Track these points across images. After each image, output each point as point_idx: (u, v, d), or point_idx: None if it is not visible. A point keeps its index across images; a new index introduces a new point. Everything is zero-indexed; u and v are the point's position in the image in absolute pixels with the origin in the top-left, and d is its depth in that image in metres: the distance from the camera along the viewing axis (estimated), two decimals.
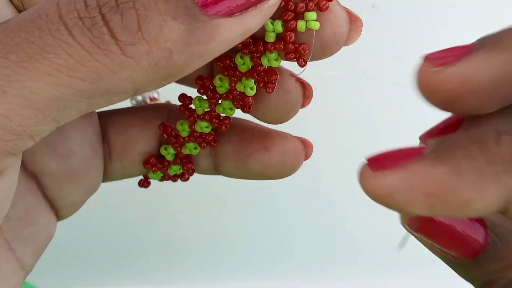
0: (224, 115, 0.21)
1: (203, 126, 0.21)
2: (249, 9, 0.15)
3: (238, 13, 0.15)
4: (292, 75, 0.20)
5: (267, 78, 0.19)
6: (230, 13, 0.15)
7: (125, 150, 0.22)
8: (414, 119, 0.57)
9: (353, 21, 0.18)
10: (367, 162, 0.14)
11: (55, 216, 0.21)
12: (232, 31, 0.15)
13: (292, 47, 0.18)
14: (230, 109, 0.20)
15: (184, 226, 0.57)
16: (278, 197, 0.56)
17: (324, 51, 0.18)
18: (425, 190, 0.13)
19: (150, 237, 0.57)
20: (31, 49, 0.14)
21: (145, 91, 0.15)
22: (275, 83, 0.19)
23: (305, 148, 0.22)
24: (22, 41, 0.14)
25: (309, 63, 0.18)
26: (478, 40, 0.14)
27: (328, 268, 0.58)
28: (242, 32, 0.15)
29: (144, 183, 0.23)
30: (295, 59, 0.18)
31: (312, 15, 0.17)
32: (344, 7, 0.18)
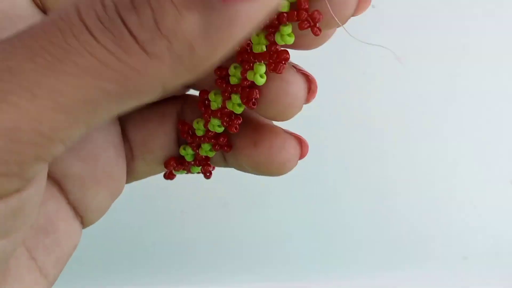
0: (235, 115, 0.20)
1: (215, 125, 0.20)
2: None
3: None
4: (294, 66, 0.19)
5: (278, 58, 0.18)
6: None
7: (146, 146, 0.22)
8: (417, 119, 0.57)
9: None
10: None
11: (80, 223, 0.20)
12: (251, 12, 0.14)
13: (305, 15, 0.17)
14: (239, 105, 0.19)
15: (184, 227, 0.57)
16: (279, 197, 0.56)
17: (337, 14, 0.17)
18: None
19: (150, 238, 0.57)
20: (56, 52, 0.13)
21: (175, 86, 0.15)
22: (285, 63, 0.18)
23: (299, 146, 0.20)
24: (47, 44, 0.14)
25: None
26: None
27: (328, 268, 0.58)
28: (262, 12, 0.14)
29: (170, 175, 0.23)
30: (310, 27, 0.17)
31: None
32: None
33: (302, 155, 0.21)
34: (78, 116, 0.14)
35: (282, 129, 0.21)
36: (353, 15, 0.17)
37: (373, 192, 0.57)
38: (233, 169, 0.22)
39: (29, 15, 0.18)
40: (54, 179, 0.19)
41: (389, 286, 0.56)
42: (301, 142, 0.20)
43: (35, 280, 0.18)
